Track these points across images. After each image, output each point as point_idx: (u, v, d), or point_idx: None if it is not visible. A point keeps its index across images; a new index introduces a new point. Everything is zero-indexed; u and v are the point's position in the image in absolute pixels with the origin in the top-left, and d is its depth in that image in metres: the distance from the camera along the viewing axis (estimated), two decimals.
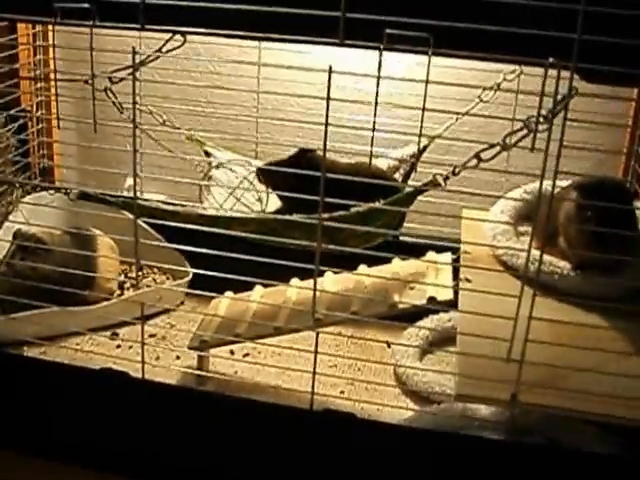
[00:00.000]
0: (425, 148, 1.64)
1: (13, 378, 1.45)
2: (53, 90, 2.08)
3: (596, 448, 1.27)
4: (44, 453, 1.44)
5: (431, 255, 1.71)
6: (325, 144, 1.09)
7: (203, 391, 1.58)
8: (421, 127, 1.18)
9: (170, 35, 1.56)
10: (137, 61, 1.49)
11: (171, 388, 1.45)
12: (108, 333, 1.85)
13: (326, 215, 1.24)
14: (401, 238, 1.86)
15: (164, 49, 1.58)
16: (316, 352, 1.26)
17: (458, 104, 1.66)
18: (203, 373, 1.68)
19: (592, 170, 1.92)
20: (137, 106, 1.74)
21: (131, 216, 1.35)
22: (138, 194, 1.96)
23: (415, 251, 1.68)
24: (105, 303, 1.87)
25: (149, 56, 1.54)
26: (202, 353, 1.67)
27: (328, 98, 1.07)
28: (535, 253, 1.23)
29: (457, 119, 1.63)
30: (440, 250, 1.71)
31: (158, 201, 1.55)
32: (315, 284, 1.22)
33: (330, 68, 1.05)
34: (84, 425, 1.43)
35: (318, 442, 1.32)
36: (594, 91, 1.15)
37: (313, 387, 1.28)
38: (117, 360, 1.60)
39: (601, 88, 1.32)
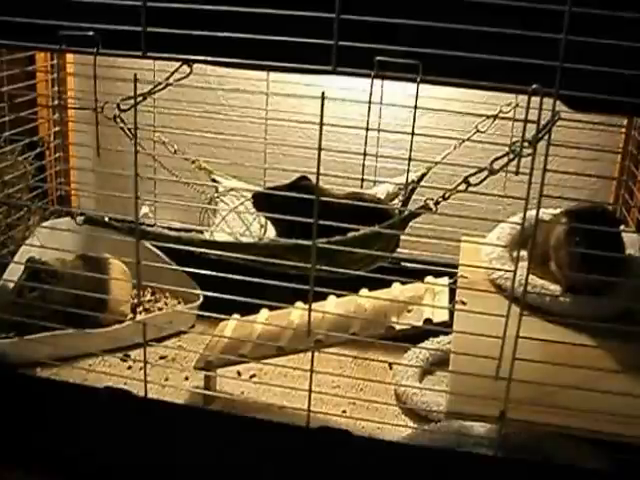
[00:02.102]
0: (423, 176, 1.64)
1: (21, 397, 1.44)
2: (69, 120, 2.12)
3: (585, 464, 1.25)
4: (50, 469, 1.44)
5: (429, 279, 1.71)
6: (319, 168, 1.09)
7: (202, 409, 1.59)
8: (410, 151, 1.17)
9: (177, 65, 1.57)
10: (145, 90, 1.52)
11: (171, 406, 1.43)
12: (120, 355, 1.85)
13: (323, 240, 1.24)
14: (401, 263, 1.85)
15: (171, 79, 1.58)
16: (312, 371, 1.25)
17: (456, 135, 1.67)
18: (209, 393, 1.67)
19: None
20: (150, 136, 1.77)
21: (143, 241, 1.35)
22: (152, 222, 2.00)
23: (414, 276, 1.68)
24: (117, 326, 1.86)
25: (156, 85, 1.55)
26: (208, 373, 1.66)
27: (321, 124, 1.07)
28: (524, 275, 1.23)
29: (455, 148, 1.63)
30: (438, 275, 1.70)
31: (162, 227, 1.54)
32: (310, 304, 1.21)
33: (323, 94, 1.05)
34: (89, 442, 1.42)
35: (315, 458, 1.30)
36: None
37: (309, 405, 1.27)
38: (127, 380, 1.61)
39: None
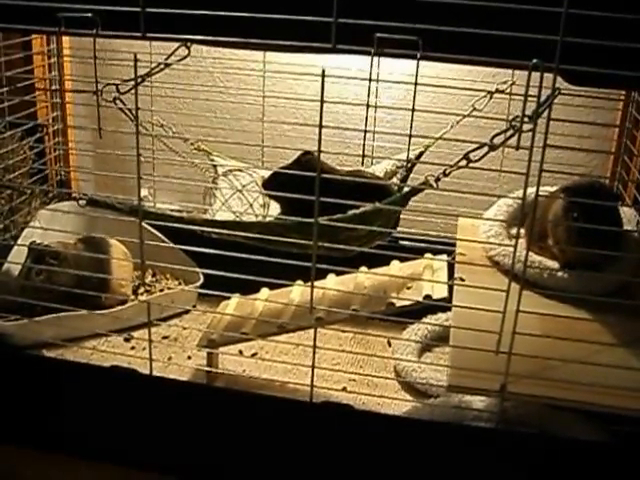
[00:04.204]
0: (421, 154, 1.62)
1: (30, 377, 1.44)
2: (67, 105, 2.10)
3: (584, 436, 1.25)
4: (58, 447, 1.43)
5: (428, 257, 1.70)
6: (320, 145, 1.07)
7: (206, 386, 1.59)
8: (411, 127, 1.16)
9: (175, 47, 1.56)
10: (143, 72, 1.50)
11: (175, 383, 1.43)
12: (124, 335, 1.84)
13: (324, 217, 1.23)
14: (400, 241, 1.85)
15: (169, 61, 1.57)
16: (314, 347, 1.25)
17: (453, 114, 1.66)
18: (213, 370, 1.66)
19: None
20: (149, 119, 1.76)
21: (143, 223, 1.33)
22: (151, 204, 1.99)
23: (413, 254, 1.67)
24: (120, 307, 1.85)
25: (155, 67, 1.53)
26: (211, 350, 1.65)
27: (322, 101, 1.05)
28: (523, 251, 1.23)
29: (452, 126, 1.61)
30: (437, 253, 1.70)
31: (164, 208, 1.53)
32: (313, 282, 1.20)
33: (323, 72, 1.03)
34: (97, 420, 1.42)
35: (318, 432, 1.30)
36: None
37: (312, 380, 1.26)
38: (131, 360, 1.60)
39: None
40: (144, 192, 2.03)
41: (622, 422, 1.17)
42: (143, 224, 1.30)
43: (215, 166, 1.79)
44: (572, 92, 1.08)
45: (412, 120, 1.17)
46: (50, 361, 1.55)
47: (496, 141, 1.17)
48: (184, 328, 1.91)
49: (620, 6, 0.98)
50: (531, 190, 1.10)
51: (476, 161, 1.24)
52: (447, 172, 1.35)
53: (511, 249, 1.46)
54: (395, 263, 1.73)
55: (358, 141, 1.79)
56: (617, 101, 1.87)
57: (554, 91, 1.03)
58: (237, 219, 1.63)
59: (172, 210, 1.50)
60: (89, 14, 1.09)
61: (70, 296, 1.52)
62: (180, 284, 2.06)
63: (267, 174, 1.65)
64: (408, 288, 1.60)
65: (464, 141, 1.25)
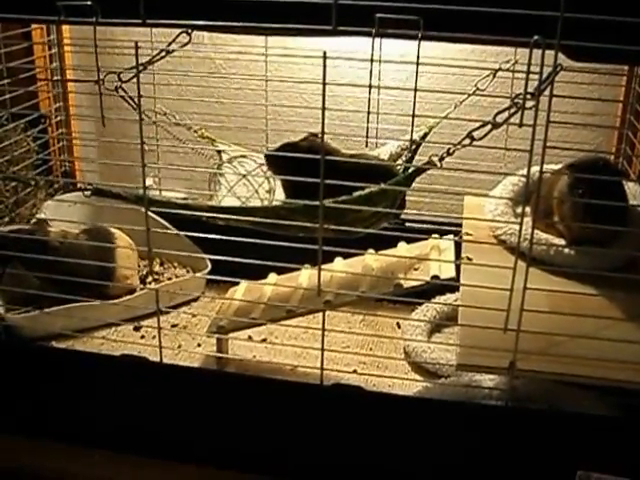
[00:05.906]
0: (426, 135, 1.62)
1: (41, 369, 1.45)
2: (70, 95, 2.10)
3: (593, 411, 1.26)
4: (69, 437, 1.45)
5: (435, 237, 1.71)
6: (323, 128, 1.08)
7: (216, 372, 1.60)
8: (414, 107, 1.16)
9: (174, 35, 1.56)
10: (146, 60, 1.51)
11: (186, 370, 1.45)
12: (133, 324, 1.85)
13: (329, 200, 1.23)
14: (407, 223, 1.85)
15: (170, 49, 1.58)
16: (323, 330, 1.26)
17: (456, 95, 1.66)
18: (223, 355, 1.67)
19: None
20: (152, 108, 1.76)
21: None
22: (157, 192, 1.99)
23: (420, 235, 1.68)
24: (129, 296, 1.86)
25: (156, 55, 1.54)
26: (221, 337, 1.66)
27: (324, 83, 1.06)
28: (529, 228, 1.23)
29: (456, 106, 1.61)
30: (443, 234, 1.70)
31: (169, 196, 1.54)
32: (320, 265, 1.21)
33: (325, 54, 1.04)
34: (108, 409, 1.43)
35: (330, 415, 1.31)
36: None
37: (322, 363, 1.27)
38: (141, 348, 1.61)
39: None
40: (149, 181, 2.04)
41: (632, 396, 1.18)
42: (149, 213, 1.31)
43: (219, 152, 1.79)
44: (575, 68, 1.09)
45: (415, 101, 1.17)
46: (60, 352, 1.56)
47: (499, 119, 1.17)
48: (193, 315, 1.92)
49: None
50: (536, 168, 1.11)
51: (479, 139, 1.24)
52: (451, 151, 1.35)
53: (517, 227, 1.48)
54: (402, 244, 1.74)
55: (363, 124, 1.80)
56: (620, 76, 1.87)
57: (555, 67, 1.04)
58: (243, 205, 1.64)
59: (178, 198, 1.50)
60: (88, 2, 1.10)
61: (74, 287, 1.53)
62: (188, 272, 2.07)
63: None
64: (416, 269, 1.61)
65: (468, 120, 1.25)
